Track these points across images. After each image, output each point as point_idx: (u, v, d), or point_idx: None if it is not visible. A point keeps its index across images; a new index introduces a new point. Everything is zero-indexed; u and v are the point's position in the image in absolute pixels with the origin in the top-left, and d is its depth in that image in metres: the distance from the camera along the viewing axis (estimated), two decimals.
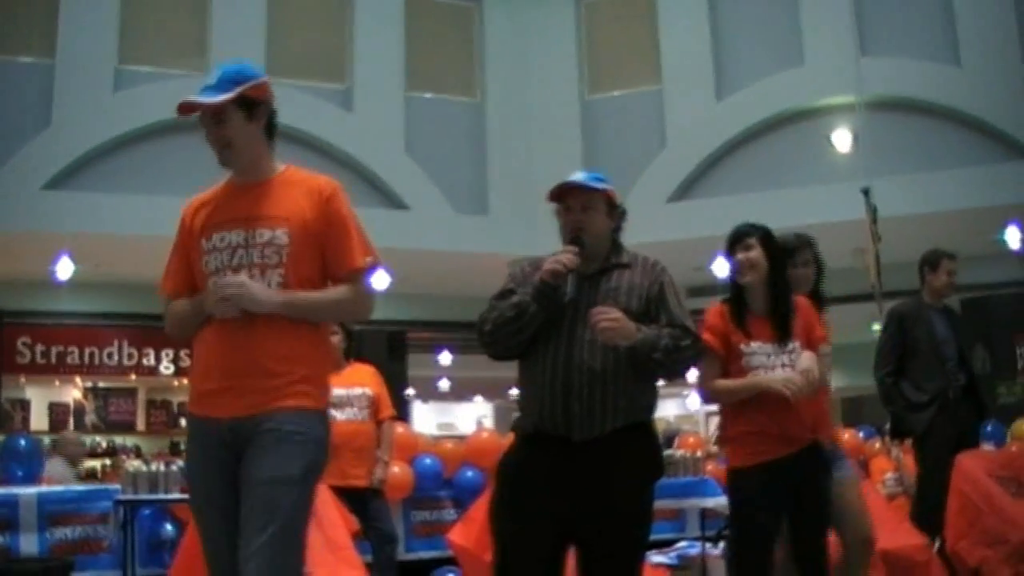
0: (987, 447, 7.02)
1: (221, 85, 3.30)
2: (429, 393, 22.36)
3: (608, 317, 3.48)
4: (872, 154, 11.20)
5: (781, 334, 4.32)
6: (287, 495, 3.17)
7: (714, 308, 4.46)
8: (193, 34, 12.36)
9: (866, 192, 10.34)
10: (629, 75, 13.68)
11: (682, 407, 21.66)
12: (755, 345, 4.30)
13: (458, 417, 23.59)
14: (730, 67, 12.88)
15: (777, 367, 4.27)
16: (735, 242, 4.42)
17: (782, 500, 4.22)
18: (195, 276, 3.35)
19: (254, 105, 3.37)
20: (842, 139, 11.75)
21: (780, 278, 4.41)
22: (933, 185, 11.34)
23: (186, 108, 3.31)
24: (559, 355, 3.58)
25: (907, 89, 11.92)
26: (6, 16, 11.70)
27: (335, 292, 3.40)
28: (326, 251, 3.38)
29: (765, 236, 4.43)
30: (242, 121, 3.34)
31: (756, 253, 4.36)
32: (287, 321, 3.26)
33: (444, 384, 22.32)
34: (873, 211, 10.03)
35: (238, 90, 3.31)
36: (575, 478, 3.54)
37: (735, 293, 4.42)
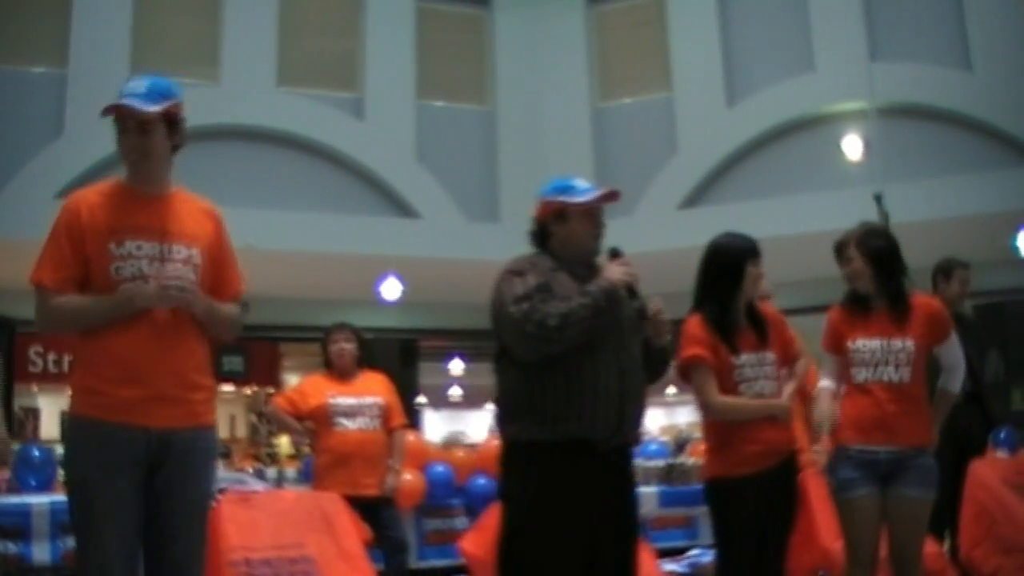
0: (1001, 454, 6.98)
1: (152, 96, 3.31)
2: (440, 401, 22.38)
3: (662, 312, 3.74)
4: (884, 160, 11.17)
5: (762, 343, 4.35)
6: (208, 510, 3.49)
7: (695, 320, 4.38)
8: (205, 44, 12.41)
9: (878, 198, 10.32)
10: (640, 82, 13.68)
11: (693, 414, 21.59)
12: (744, 357, 4.31)
13: (469, 425, 23.60)
14: (741, 74, 12.87)
15: (760, 378, 4.31)
16: (755, 256, 4.40)
17: (762, 510, 4.23)
18: (87, 275, 3.25)
19: (175, 123, 3.40)
20: (853, 145, 11.70)
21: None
22: (945, 191, 11.29)
23: (118, 112, 3.30)
24: (610, 361, 3.62)
25: (919, 94, 11.88)
26: (19, 27, 11.76)
27: (233, 309, 3.49)
28: (216, 274, 3.44)
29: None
30: (163, 136, 3.36)
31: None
32: (199, 331, 3.36)
33: (455, 392, 22.33)
34: (885, 217, 10.00)
35: (166, 105, 3.34)
36: (604, 485, 3.63)
37: (726, 305, 4.38)
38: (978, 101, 11.62)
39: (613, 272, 3.64)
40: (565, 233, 3.80)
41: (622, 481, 3.73)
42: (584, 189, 3.81)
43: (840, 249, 4.56)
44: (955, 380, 4.56)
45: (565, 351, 3.55)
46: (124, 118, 3.30)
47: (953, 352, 4.50)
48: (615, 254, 3.76)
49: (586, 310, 3.53)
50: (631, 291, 3.69)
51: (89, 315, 3.22)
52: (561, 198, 3.80)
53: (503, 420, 3.77)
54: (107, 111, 3.29)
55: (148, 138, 3.33)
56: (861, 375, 4.38)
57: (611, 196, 3.81)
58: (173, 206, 3.40)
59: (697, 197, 12.74)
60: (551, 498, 3.57)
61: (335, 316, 6.90)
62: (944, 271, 6.30)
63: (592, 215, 3.80)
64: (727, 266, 4.39)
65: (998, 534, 5.67)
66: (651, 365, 3.82)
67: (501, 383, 3.77)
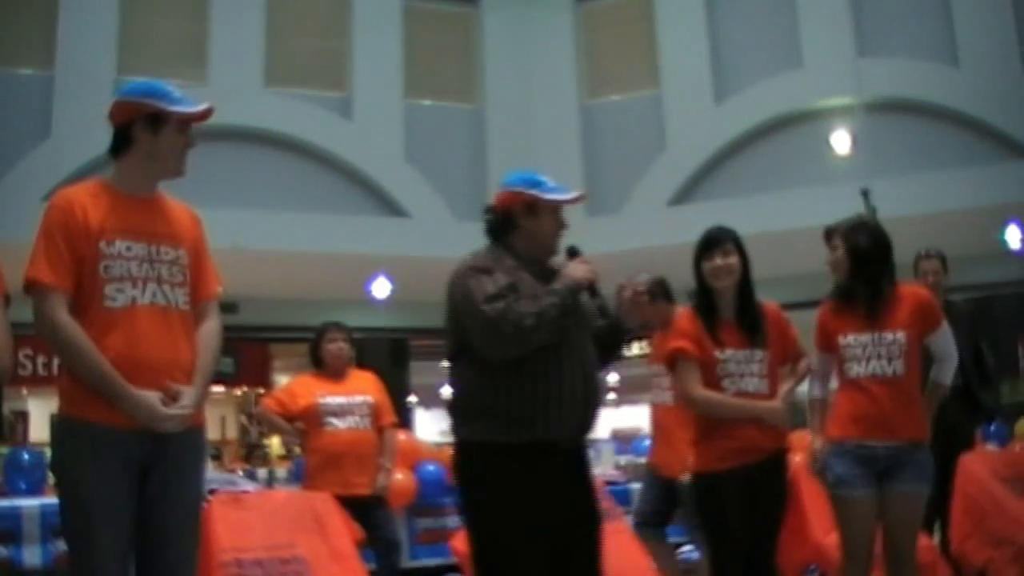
0: (991, 447, 7.01)
1: None
2: (431, 401, 22.34)
3: (636, 296, 3.69)
4: (871, 155, 11.20)
5: (751, 340, 4.32)
6: (200, 512, 3.49)
7: (684, 313, 4.41)
8: (192, 44, 12.40)
9: (865, 193, 10.35)
10: (628, 79, 13.70)
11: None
12: (728, 352, 4.29)
13: None
14: (729, 70, 12.90)
15: (747, 375, 4.29)
16: (712, 246, 4.37)
17: (749, 506, 4.23)
18: (75, 274, 3.21)
19: None
20: (841, 140, 11.74)
21: (748, 283, 4.39)
22: (932, 185, 11.33)
23: (174, 114, 3.36)
24: (575, 363, 3.61)
25: (905, 90, 11.93)
26: (5, 28, 11.74)
27: (212, 341, 3.42)
28: (196, 275, 3.43)
29: (737, 240, 4.40)
30: None
31: (734, 259, 4.34)
32: (189, 331, 3.35)
33: (447, 391, 22.30)
34: (873, 212, 10.02)
35: None
36: (567, 485, 3.63)
37: (705, 298, 4.39)
38: (965, 96, 11.67)
39: (576, 270, 3.62)
40: (533, 228, 3.76)
41: (580, 475, 3.72)
42: (553, 187, 3.79)
43: (829, 235, 4.55)
44: (946, 372, 4.53)
45: (532, 352, 3.53)
46: (176, 119, 3.35)
47: (943, 342, 4.49)
48: (573, 253, 3.75)
49: (556, 309, 3.51)
50: (592, 290, 3.68)
51: (85, 368, 3.15)
52: (533, 191, 3.76)
53: (460, 421, 3.71)
54: (207, 113, 3.40)
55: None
56: (853, 370, 4.37)
57: (580, 199, 3.84)
58: (160, 208, 3.41)
59: (686, 194, 12.77)
60: (517, 503, 3.54)
61: (325, 316, 6.88)
62: (913, 266, 6.30)
63: (558, 214, 3.78)
64: (694, 264, 4.43)
65: (989, 527, 5.67)
66: (607, 345, 3.78)
67: (459, 383, 3.74)
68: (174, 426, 3.19)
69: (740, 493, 4.20)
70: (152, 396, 3.16)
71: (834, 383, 4.65)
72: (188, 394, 3.25)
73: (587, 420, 3.66)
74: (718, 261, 4.33)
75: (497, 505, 3.58)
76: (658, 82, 13.29)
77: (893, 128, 11.82)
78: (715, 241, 4.36)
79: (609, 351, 3.84)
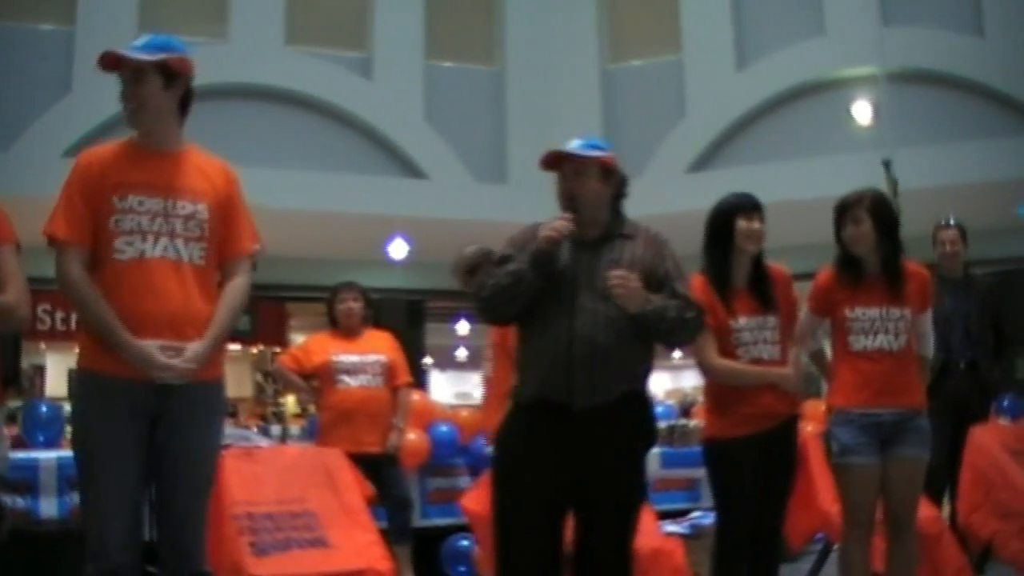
0: (1003, 421, 7.00)
1: (148, 48, 3.38)
2: (447, 362, 22.42)
3: (622, 282, 3.50)
4: (893, 125, 11.13)
5: (763, 307, 4.34)
6: (213, 466, 3.48)
7: (696, 281, 4.34)
8: (213, 1, 12.35)
9: (887, 164, 10.28)
10: (649, 44, 13.62)
11: (699, 378, 21.64)
12: (742, 321, 4.32)
13: (475, 386, 23.65)
14: (750, 37, 12.80)
15: (760, 343, 4.32)
16: (753, 209, 4.37)
17: (761, 472, 4.27)
18: (91, 228, 3.28)
19: (174, 76, 3.41)
20: (863, 110, 11.66)
21: (761, 251, 4.42)
22: (955, 157, 11.25)
23: (110, 61, 3.37)
24: (561, 324, 3.56)
25: (929, 60, 11.82)
26: None
27: (234, 298, 3.45)
28: (224, 231, 3.45)
29: (761, 209, 4.42)
30: (159, 87, 3.38)
31: (763, 226, 4.35)
32: (205, 285, 3.37)
33: (462, 353, 22.37)
34: (894, 183, 9.97)
35: (162, 56, 3.37)
36: (576, 447, 3.57)
37: (722, 266, 4.39)
38: (989, 67, 11.56)
39: (541, 231, 3.60)
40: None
41: (600, 441, 3.58)
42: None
43: (845, 209, 4.48)
44: (931, 345, 4.66)
45: (524, 314, 3.62)
46: (121, 69, 3.37)
47: (928, 320, 4.58)
48: (568, 210, 3.69)
49: (509, 278, 3.56)
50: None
51: (91, 318, 3.24)
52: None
53: None
54: (100, 59, 3.37)
55: (141, 87, 3.36)
56: (860, 343, 4.38)
57: (557, 161, 3.75)
58: (181, 162, 3.43)
59: (706, 160, 12.72)
60: (513, 456, 3.66)
61: (342, 275, 6.92)
62: (932, 236, 6.30)
63: (561, 174, 3.76)
64: (717, 224, 4.41)
65: (996, 499, 5.68)
66: (644, 333, 3.64)
67: None
68: (172, 377, 3.22)
69: (751, 461, 4.24)
70: (151, 346, 3.20)
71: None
72: (192, 347, 3.27)
73: (572, 385, 3.53)
74: (756, 225, 4.34)
75: (500, 464, 3.72)
76: (679, 47, 13.21)
77: (916, 99, 11.73)
78: (756, 205, 4.38)
79: (648, 336, 3.70)
